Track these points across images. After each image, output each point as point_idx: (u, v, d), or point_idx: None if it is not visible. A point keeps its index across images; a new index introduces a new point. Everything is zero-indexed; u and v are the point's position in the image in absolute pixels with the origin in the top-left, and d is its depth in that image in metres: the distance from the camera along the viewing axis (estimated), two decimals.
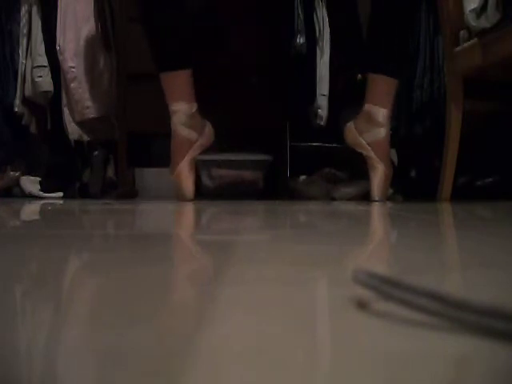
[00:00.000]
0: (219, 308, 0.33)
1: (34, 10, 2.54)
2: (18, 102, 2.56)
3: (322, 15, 2.42)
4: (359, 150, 1.86)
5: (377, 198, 1.83)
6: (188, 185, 1.87)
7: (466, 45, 1.84)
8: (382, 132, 1.82)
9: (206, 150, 2.37)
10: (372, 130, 1.82)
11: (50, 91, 2.51)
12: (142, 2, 1.85)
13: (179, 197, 1.89)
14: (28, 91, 2.53)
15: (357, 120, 1.87)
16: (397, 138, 2.38)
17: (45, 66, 2.51)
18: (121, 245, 0.74)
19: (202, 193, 2.18)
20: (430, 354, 0.24)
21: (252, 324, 0.29)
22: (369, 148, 1.82)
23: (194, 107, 1.85)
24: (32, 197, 2.49)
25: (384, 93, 1.82)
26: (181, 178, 1.86)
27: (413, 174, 2.54)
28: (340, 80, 2.32)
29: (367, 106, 1.84)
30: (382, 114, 1.81)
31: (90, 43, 2.46)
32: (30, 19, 2.55)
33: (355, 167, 2.39)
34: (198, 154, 1.88)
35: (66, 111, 2.50)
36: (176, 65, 1.84)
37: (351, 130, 1.86)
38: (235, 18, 2.27)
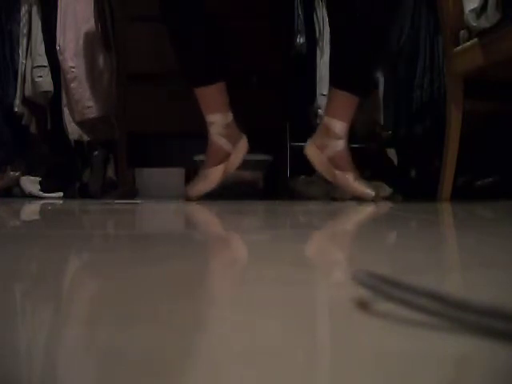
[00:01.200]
0: (219, 308, 0.33)
1: (34, 10, 2.54)
2: (18, 101, 2.56)
3: (321, 15, 2.42)
4: (321, 171, 1.88)
5: (369, 198, 1.83)
6: (201, 188, 1.89)
7: (465, 45, 1.84)
8: (341, 144, 1.84)
9: (206, 150, 2.37)
10: (330, 143, 1.84)
11: (50, 91, 2.51)
12: (169, 22, 1.87)
13: (188, 191, 1.90)
14: (28, 91, 2.53)
15: (316, 136, 1.89)
16: (397, 138, 2.39)
17: (45, 66, 2.51)
18: (121, 245, 0.74)
19: None
20: (430, 354, 0.24)
21: (252, 324, 0.29)
22: (333, 173, 1.84)
23: (230, 117, 1.88)
24: (32, 197, 2.49)
25: (343, 107, 1.84)
26: (205, 180, 1.88)
27: (413, 174, 2.54)
28: None
29: (326, 119, 1.87)
30: (339, 126, 1.84)
31: (90, 43, 2.46)
32: (30, 19, 2.55)
33: (355, 167, 2.38)
34: (230, 172, 1.90)
35: (65, 111, 2.50)
36: (209, 80, 1.87)
37: (312, 149, 1.88)
38: (235, 18, 2.27)
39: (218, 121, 1.87)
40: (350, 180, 1.83)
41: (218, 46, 1.90)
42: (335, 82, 1.85)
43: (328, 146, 1.84)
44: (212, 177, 1.89)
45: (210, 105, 1.87)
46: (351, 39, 1.80)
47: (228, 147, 1.88)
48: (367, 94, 1.91)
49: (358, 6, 1.76)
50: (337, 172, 1.84)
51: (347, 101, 1.83)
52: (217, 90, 1.86)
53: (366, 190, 1.83)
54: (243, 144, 1.90)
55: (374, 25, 1.78)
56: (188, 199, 1.90)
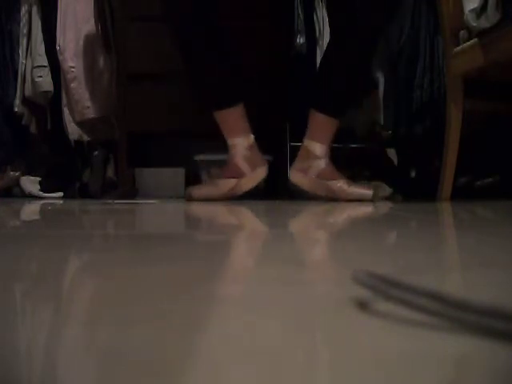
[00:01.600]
0: (219, 308, 0.33)
1: (34, 9, 2.54)
2: (18, 101, 2.56)
3: (321, 15, 2.42)
4: (313, 191, 1.89)
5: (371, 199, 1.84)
6: (205, 193, 1.89)
7: (465, 45, 1.84)
8: (322, 162, 1.86)
9: (206, 150, 2.38)
10: (312, 164, 1.86)
11: (50, 91, 2.51)
12: (185, 51, 1.87)
13: (192, 192, 1.91)
14: (28, 91, 2.53)
15: (297, 161, 1.91)
16: (397, 138, 2.39)
17: (45, 66, 2.51)
18: (121, 245, 0.74)
19: None
20: (430, 354, 0.24)
21: (252, 324, 0.29)
22: (321, 188, 1.86)
23: (251, 139, 1.90)
24: (32, 197, 2.49)
25: (323, 130, 1.86)
26: (213, 187, 1.90)
27: (413, 174, 2.54)
28: None
29: (305, 142, 1.89)
30: (319, 148, 1.86)
31: (90, 43, 2.46)
32: (30, 19, 2.55)
33: (355, 167, 2.39)
34: (238, 192, 1.91)
35: (66, 111, 2.50)
36: (228, 103, 1.88)
37: (295, 174, 1.90)
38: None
39: (240, 144, 1.89)
40: (344, 186, 1.84)
41: (235, 68, 1.91)
42: (316, 104, 1.87)
43: (311, 166, 1.87)
44: (221, 187, 1.89)
45: (231, 128, 1.89)
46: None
47: (246, 170, 1.89)
48: (344, 115, 1.92)
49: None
50: (328, 183, 1.85)
51: (327, 124, 1.86)
52: (236, 112, 1.88)
53: (362, 191, 1.84)
54: (262, 171, 1.91)
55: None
56: (189, 199, 1.91)
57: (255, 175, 1.90)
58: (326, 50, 1.97)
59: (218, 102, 1.89)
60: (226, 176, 1.90)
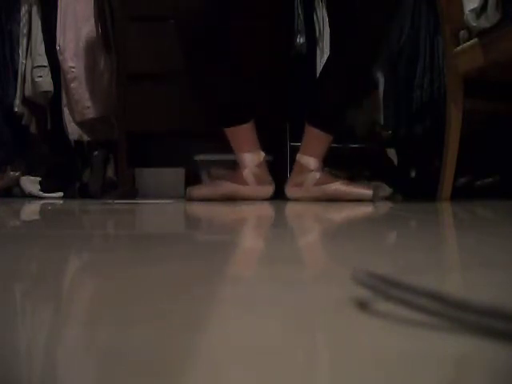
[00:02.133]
0: (219, 308, 0.33)
1: (34, 9, 2.54)
2: (18, 101, 2.56)
3: (321, 15, 2.42)
4: (314, 199, 1.90)
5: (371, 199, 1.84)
6: (205, 193, 1.89)
7: (465, 45, 1.84)
8: (317, 174, 1.87)
9: (206, 150, 2.38)
10: (307, 176, 1.87)
11: (50, 91, 2.51)
12: (196, 69, 1.88)
13: (191, 192, 1.92)
14: (28, 91, 2.53)
15: (291, 177, 1.93)
16: (397, 138, 2.39)
17: (45, 66, 2.51)
18: (121, 245, 0.74)
19: None
20: (430, 354, 0.24)
21: (252, 324, 0.29)
22: (317, 195, 1.87)
23: (262, 156, 1.91)
24: (32, 197, 2.49)
25: (318, 145, 1.88)
26: (213, 187, 1.90)
27: (413, 174, 2.54)
28: None
29: (299, 157, 1.91)
30: (313, 162, 1.88)
31: (90, 43, 2.46)
32: (30, 19, 2.55)
33: (355, 167, 2.39)
34: (237, 197, 1.91)
35: (66, 111, 2.50)
36: (239, 120, 1.89)
37: (291, 190, 1.91)
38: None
39: (250, 160, 1.89)
40: (343, 187, 1.85)
41: (246, 85, 1.92)
42: (312, 119, 1.88)
43: (306, 179, 1.88)
44: (222, 188, 1.89)
45: (242, 144, 1.90)
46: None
47: (251, 183, 1.89)
48: (338, 131, 1.95)
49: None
50: (326, 186, 1.86)
51: (322, 139, 1.87)
52: (247, 129, 1.89)
53: (362, 190, 1.84)
54: (267, 189, 1.92)
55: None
56: (190, 199, 1.91)
57: (259, 190, 1.91)
58: (326, 62, 1.97)
59: (227, 119, 1.90)
60: (230, 180, 1.90)
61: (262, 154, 1.91)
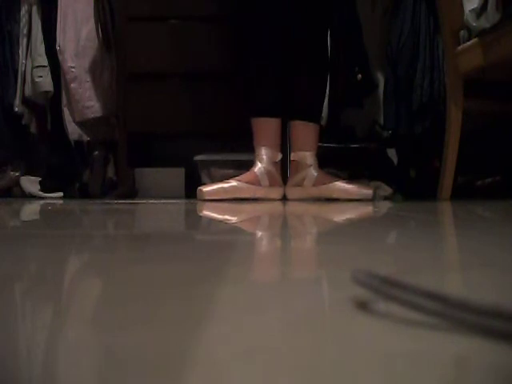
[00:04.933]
0: (219, 308, 0.33)
1: (34, 9, 2.54)
2: (17, 102, 2.56)
3: None
4: (316, 196, 1.91)
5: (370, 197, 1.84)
6: (214, 193, 1.88)
7: (465, 45, 1.84)
8: (313, 171, 1.89)
9: (206, 150, 2.38)
10: (306, 174, 1.89)
11: (51, 91, 2.51)
12: (253, 48, 1.92)
13: (203, 191, 1.89)
14: (28, 91, 2.53)
15: (290, 177, 1.95)
16: (397, 138, 2.38)
17: (45, 66, 2.51)
18: (121, 245, 0.74)
19: None
20: (430, 354, 0.24)
21: (252, 324, 0.29)
22: (318, 192, 1.89)
23: (279, 157, 1.92)
24: (32, 197, 2.49)
25: (307, 137, 1.90)
26: (225, 190, 1.88)
27: (413, 173, 2.53)
28: (340, 80, 2.31)
29: (293, 155, 1.93)
30: (308, 156, 1.90)
31: (90, 43, 2.46)
32: (30, 19, 2.55)
33: (355, 167, 2.39)
34: (245, 196, 1.91)
35: (66, 111, 2.50)
36: (270, 112, 1.91)
37: (291, 191, 1.93)
38: (235, 18, 2.27)
39: (268, 155, 1.90)
40: (343, 186, 1.85)
41: (286, 83, 1.94)
42: (293, 114, 1.92)
43: (305, 177, 1.90)
44: (231, 190, 1.88)
45: (264, 138, 1.91)
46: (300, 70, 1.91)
47: (264, 183, 1.90)
48: (320, 117, 2.00)
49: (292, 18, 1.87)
50: (326, 186, 1.87)
51: (309, 130, 1.90)
52: (274, 124, 1.91)
53: (362, 190, 1.84)
54: (278, 192, 1.93)
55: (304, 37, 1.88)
56: (201, 198, 1.87)
57: (270, 192, 1.91)
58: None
59: (261, 107, 1.92)
60: (243, 180, 1.90)
61: (280, 155, 1.93)
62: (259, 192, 1.89)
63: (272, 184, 1.91)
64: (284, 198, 1.95)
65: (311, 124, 1.90)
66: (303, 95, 1.91)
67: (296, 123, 1.91)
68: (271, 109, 1.92)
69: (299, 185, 1.90)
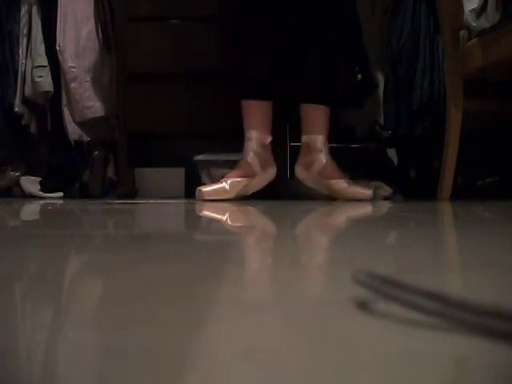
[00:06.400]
0: (219, 308, 0.33)
1: (34, 9, 2.54)
2: (17, 101, 2.55)
3: None
4: (315, 187, 1.94)
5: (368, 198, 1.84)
6: (214, 194, 1.88)
7: (465, 45, 1.84)
8: (323, 157, 1.90)
9: (206, 150, 2.38)
10: (316, 158, 1.90)
11: (51, 91, 2.51)
12: (252, 25, 1.93)
13: (201, 192, 1.88)
14: (28, 91, 2.53)
15: (300, 157, 1.96)
16: (397, 138, 2.38)
17: (45, 66, 2.50)
18: (121, 245, 0.74)
19: None
20: (430, 354, 0.24)
21: (252, 324, 0.29)
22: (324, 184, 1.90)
23: (268, 139, 1.93)
24: (32, 197, 2.49)
25: (318, 120, 1.90)
26: (223, 189, 1.88)
27: (413, 173, 2.53)
28: (340, 80, 2.31)
29: (304, 138, 1.93)
30: (319, 140, 1.90)
31: (90, 43, 2.46)
32: (30, 19, 2.55)
33: (355, 167, 2.38)
34: (248, 192, 1.92)
35: (66, 111, 2.50)
36: (262, 95, 1.92)
37: (300, 169, 1.95)
38: (235, 18, 2.27)
39: (256, 138, 1.91)
40: (345, 185, 1.86)
41: (282, 68, 1.95)
42: (302, 97, 1.92)
43: (314, 161, 1.91)
44: (231, 188, 1.88)
45: (254, 120, 1.92)
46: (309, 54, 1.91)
47: (257, 169, 1.91)
48: (331, 100, 1.98)
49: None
50: (330, 181, 1.88)
51: (319, 113, 1.90)
52: (265, 107, 1.92)
53: (362, 190, 1.85)
54: (271, 173, 1.95)
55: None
56: (199, 198, 1.87)
57: (265, 177, 1.92)
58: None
59: (253, 89, 1.93)
60: (238, 175, 1.90)
61: (270, 137, 1.93)
62: (255, 182, 1.91)
63: (263, 166, 1.91)
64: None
65: (321, 107, 1.89)
66: (312, 78, 1.91)
67: (306, 106, 1.90)
68: (262, 91, 1.92)
69: (307, 167, 1.92)
